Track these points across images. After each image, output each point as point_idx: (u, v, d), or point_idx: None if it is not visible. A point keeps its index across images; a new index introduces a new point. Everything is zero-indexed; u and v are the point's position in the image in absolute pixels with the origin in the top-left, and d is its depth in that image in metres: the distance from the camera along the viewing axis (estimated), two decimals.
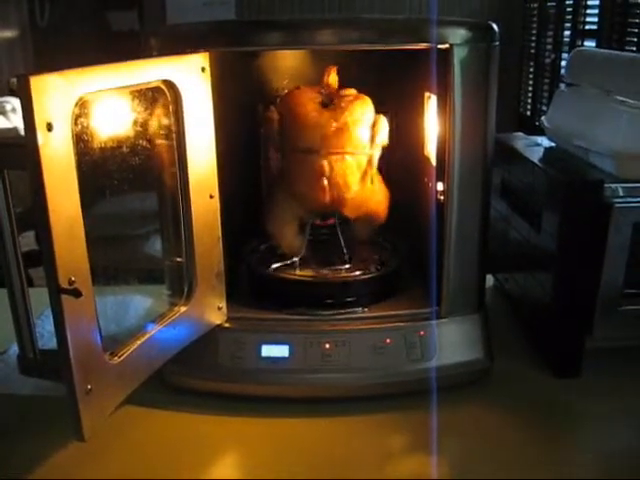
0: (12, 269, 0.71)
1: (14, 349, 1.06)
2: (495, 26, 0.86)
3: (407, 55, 0.90)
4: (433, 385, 0.91)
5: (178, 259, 0.91)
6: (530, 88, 4.32)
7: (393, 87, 1.07)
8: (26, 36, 5.57)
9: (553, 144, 1.15)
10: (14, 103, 5.53)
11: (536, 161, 1.05)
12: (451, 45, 0.84)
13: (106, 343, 0.75)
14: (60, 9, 3.87)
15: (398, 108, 1.09)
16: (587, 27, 3.52)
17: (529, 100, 4.33)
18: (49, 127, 0.62)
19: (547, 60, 3.99)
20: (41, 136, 0.61)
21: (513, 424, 0.89)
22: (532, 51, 4.23)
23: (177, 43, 0.85)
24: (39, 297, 0.76)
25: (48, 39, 3.88)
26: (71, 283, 0.66)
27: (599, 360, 0.96)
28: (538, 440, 0.86)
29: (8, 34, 6.04)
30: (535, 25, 4.22)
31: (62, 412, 0.86)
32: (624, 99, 1.01)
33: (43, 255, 0.64)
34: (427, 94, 0.99)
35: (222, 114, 0.89)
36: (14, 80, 5.94)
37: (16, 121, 5.34)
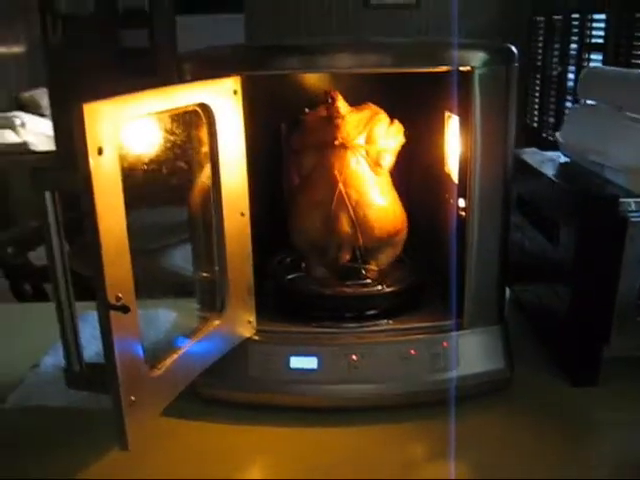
0: (60, 285, 0.74)
1: (45, 362, 1.10)
2: (514, 48, 0.90)
3: (427, 76, 0.93)
4: (456, 394, 0.93)
5: (209, 274, 0.94)
6: (536, 100, 4.34)
7: (413, 106, 1.10)
8: (35, 52, 5.64)
9: (567, 159, 1.18)
10: (23, 118, 5.60)
11: (552, 176, 1.08)
12: (472, 68, 0.87)
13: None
14: (73, 26, 3.92)
15: (418, 127, 1.12)
16: (593, 41, 3.55)
17: (535, 112, 4.36)
18: (100, 151, 0.65)
19: (554, 73, 4.02)
20: (93, 161, 0.65)
21: (532, 433, 0.91)
22: (538, 63, 4.26)
23: (209, 68, 0.89)
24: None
25: (60, 55, 3.93)
26: (118, 299, 0.69)
27: (616, 369, 0.99)
28: (557, 448, 0.88)
29: (17, 50, 6.13)
30: (542, 38, 4.25)
31: (94, 423, 0.90)
32: (636, 116, 1.04)
33: (93, 273, 0.67)
34: (447, 113, 1.02)
35: (250, 133, 0.93)
36: (23, 95, 6.03)
37: (25, 136, 5.40)
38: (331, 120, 1.01)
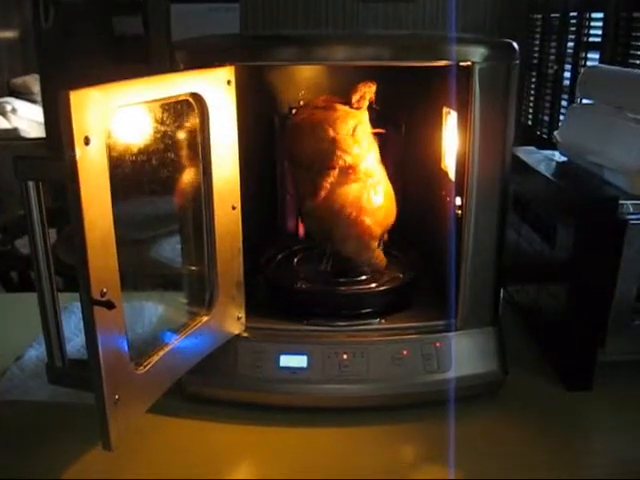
0: (43, 277, 0.72)
1: (29, 354, 1.07)
2: (515, 44, 0.88)
3: (425, 70, 0.91)
4: (449, 396, 0.92)
5: (198, 268, 0.92)
6: (532, 98, 4.34)
7: (410, 101, 1.09)
8: (27, 37, 5.59)
9: (565, 159, 1.16)
10: (14, 104, 5.55)
11: (550, 176, 1.06)
12: (473, 63, 0.85)
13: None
14: (65, 12, 3.88)
15: (414, 122, 1.10)
16: (591, 39, 3.54)
17: (530, 110, 4.35)
18: (86, 141, 0.63)
19: (550, 71, 4.01)
20: (79, 150, 0.62)
21: (525, 436, 0.90)
22: (535, 61, 4.25)
23: (203, 57, 0.87)
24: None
25: (52, 41, 3.89)
26: (103, 294, 0.67)
27: (611, 373, 0.98)
28: (550, 451, 0.87)
29: (9, 35, 6.07)
30: (538, 36, 4.24)
31: (78, 418, 0.88)
32: (636, 116, 1.02)
33: (77, 267, 0.65)
34: (446, 109, 1.00)
35: (242, 125, 0.91)
36: (14, 80, 5.97)
37: (16, 122, 5.35)
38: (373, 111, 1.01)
